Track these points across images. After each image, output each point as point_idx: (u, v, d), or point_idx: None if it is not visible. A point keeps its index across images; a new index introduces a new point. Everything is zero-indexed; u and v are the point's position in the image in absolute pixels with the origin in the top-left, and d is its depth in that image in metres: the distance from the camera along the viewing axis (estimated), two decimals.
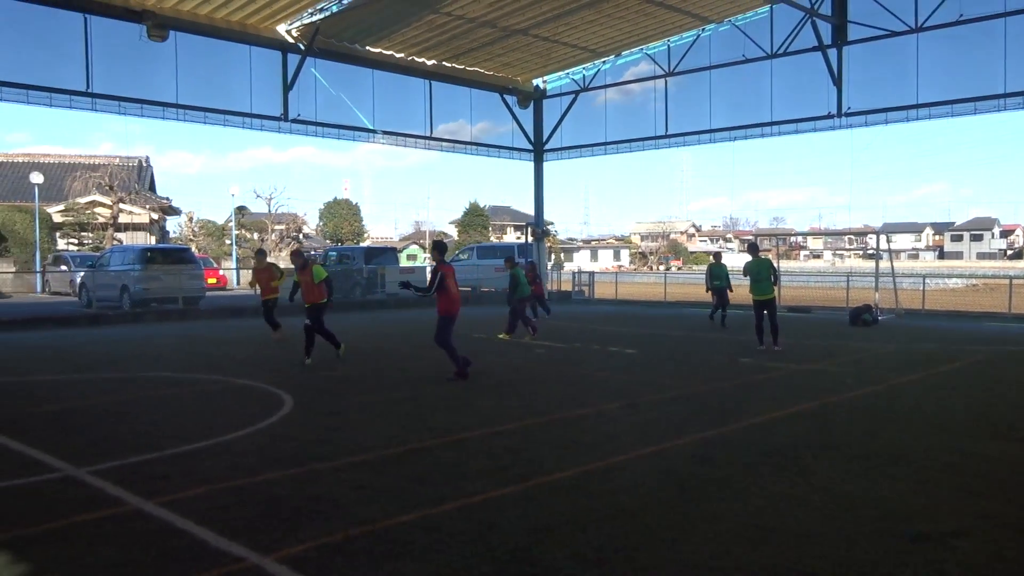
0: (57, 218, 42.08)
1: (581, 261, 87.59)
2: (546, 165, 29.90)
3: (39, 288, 34.06)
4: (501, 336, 16.16)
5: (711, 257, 20.38)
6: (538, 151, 29.54)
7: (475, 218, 68.75)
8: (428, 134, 26.55)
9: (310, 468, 6.26)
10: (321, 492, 5.62)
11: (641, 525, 4.95)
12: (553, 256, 56.57)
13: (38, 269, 35.37)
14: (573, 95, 28.25)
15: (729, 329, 17.35)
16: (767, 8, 22.41)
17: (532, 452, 6.79)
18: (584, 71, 27.52)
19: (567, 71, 27.78)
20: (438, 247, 11.25)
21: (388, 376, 11.22)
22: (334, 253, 31.98)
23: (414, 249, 73.05)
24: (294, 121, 22.56)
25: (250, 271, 18.89)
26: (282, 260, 46.83)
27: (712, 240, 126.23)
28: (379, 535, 4.75)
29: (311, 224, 69.90)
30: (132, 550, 4.55)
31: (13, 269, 36.42)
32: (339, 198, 69.27)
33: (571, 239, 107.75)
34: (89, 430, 7.79)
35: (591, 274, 32.74)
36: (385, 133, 25.36)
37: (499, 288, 31.43)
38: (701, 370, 11.87)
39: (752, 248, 14.76)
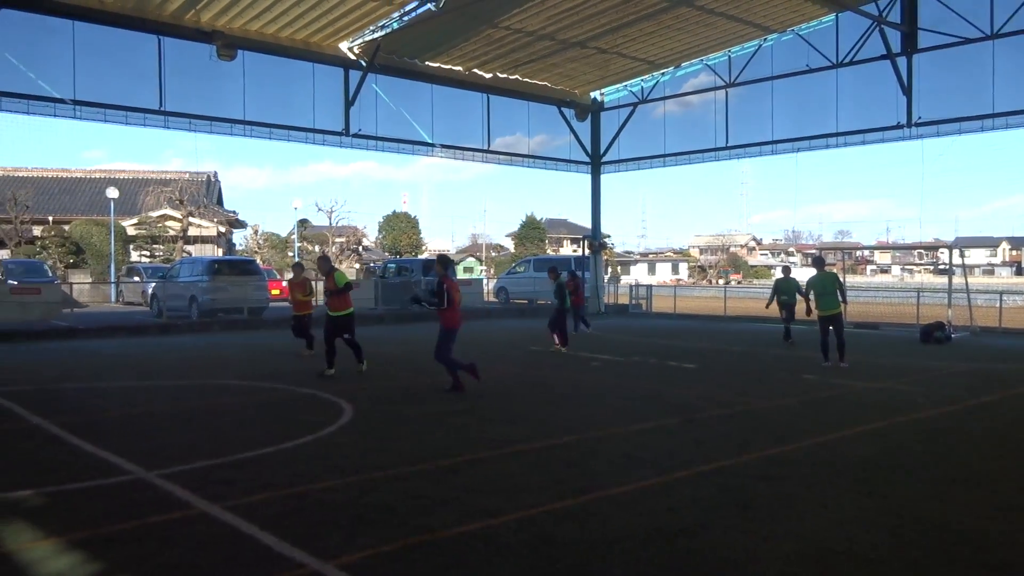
0: (131, 231, 43.65)
1: (638, 274, 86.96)
2: (603, 177, 29.83)
3: (113, 298, 35.29)
4: (554, 349, 16.15)
5: (779, 272, 19.91)
6: (595, 163, 29.49)
7: (532, 231, 68.87)
8: (486, 147, 26.75)
9: (369, 476, 6.34)
10: (379, 500, 5.69)
11: (702, 544, 4.87)
12: (610, 269, 56.31)
13: (113, 280, 36.69)
14: (631, 107, 28.15)
15: (793, 345, 16.99)
16: (832, 17, 22.01)
17: (589, 466, 6.75)
18: (642, 83, 27.41)
19: (625, 83, 27.70)
20: (443, 261, 11.20)
21: (444, 387, 11.28)
22: (393, 265, 32.41)
23: (471, 262, 73.56)
24: (355, 136, 23.00)
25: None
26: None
27: (773, 254, 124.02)
28: (437, 545, 4.78)
29: (371, 237, 71.03)
30: (199, 553, 4.67)
31: (90, 280, 37.89)
32: (398, 211, 70.21)
33: (628, 252, 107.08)
34: (159, 435, 8.03)
35: (649, 287, 32.46)
36: (443, 147, 25.64)
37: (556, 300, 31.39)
38: (763, 386, 11.65)
39: (817, 262, 14.44)
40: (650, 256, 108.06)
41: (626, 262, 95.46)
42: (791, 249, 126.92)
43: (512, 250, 70.87)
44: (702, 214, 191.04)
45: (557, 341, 16.45)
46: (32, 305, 20.83)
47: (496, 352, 15.73)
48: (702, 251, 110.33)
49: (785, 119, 24.36)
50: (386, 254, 62.62)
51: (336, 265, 21.33)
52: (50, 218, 43.48)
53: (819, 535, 4.99)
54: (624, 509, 5.54)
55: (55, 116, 19.04)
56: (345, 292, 12.54)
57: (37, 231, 42.53)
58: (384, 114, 23.67)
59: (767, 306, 18.10)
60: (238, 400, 10.29)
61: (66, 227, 42.69)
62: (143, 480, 6.27)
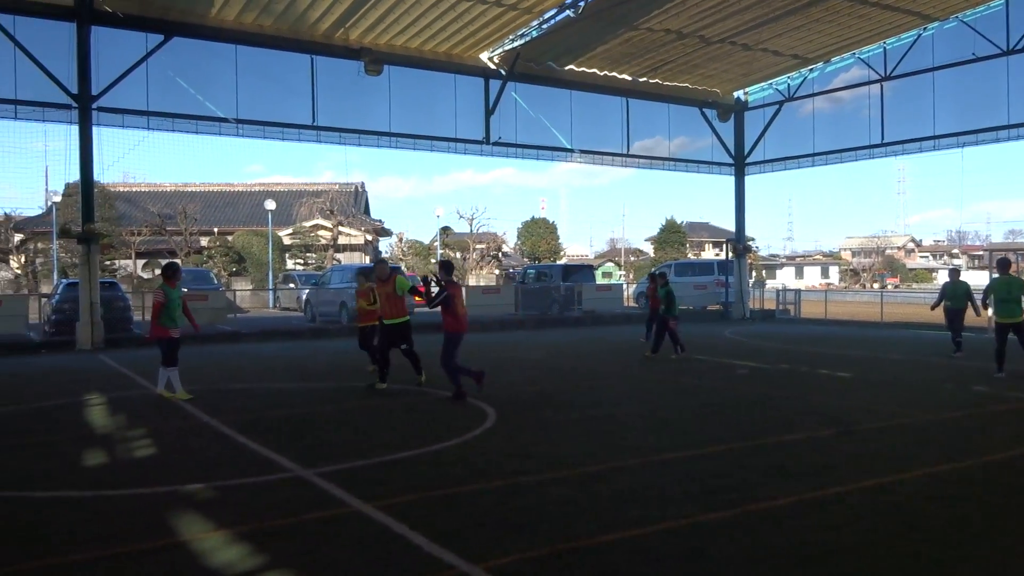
0: (286, 240, 46.30)
1: (785, 278, 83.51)
2: (747, 179, 28.90)
3: (271, 304, 37.53)
4: (674, 356, 15.61)
5: (944, 275, 18.33)
6: (739, 165, 28.62)
7: (672, 235, 67.60)
8: (625, 151, 26.53)
9: (514, 481, 6.39)
10: (525, 505, 5.71)
11: (865, 564, 4.58)
12: (754, 273, 54.43)
13: (271, 287, 39.04)
14: (777, 106, 27.13)
15: (960, 356, 15.74)
16: (1001, 1, 20.37)
17: (739, 477, 6.52)
18: (789, 80, 26.36)
19: (771, 81, 26.74)
20: (444, 267, 10.97)
21: (586, 394, 11.25)
22: (532, 271, 32.66)
23: (609, 267, 73.05)
24: (495, 144, 23.41)
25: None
26: (483, 279, 48.53)
27: (934, 256, 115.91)
28: (585, 552, 4.74)
29: (510, 243, 72.00)
30: (354, 550, 4.85)
31: (250, 287, 40.51)
32: (536, 217, 70.81)
33: (774, 255, 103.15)
34: (315, 435, 8.43)
35: (796, 292, 31.12)
36: (582, 152, 25.65)
37: (697, 306, 30.73)
38: (927, 397, 10.88)
39: (1002, 264, 13.10)
40: (797, 259, 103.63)
41: (772, 266, 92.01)
42: (955, 251, 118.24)
43: (652, 255, 69.86)
44: (854, 215, 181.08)
45: (652, 351, 15.73)
46: (200, 311, 22.42)
47: (637, 357, 15.52)
48: (854, 254, 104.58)
49: (948, 112, 22.77)
50: (525, 260, 63.29)
51: (472, 268, 21.69)
52: (215, 229, 46.79)
53: (1001, 562, 4.58)
54: (778, 524, 5.30)
55: (220, 135, 20.50)
56: (402, 298, 11.43)
57: (204, 241, 45.87)
58: (523, 121, 23.96)
59: (932, 308, 16.78)
60: (386, 403, 10.65)
61: (229, 237, 45.82)
62: (301, 477, 6.59)
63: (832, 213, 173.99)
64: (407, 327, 11.52)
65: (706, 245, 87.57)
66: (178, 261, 12.62)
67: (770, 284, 58.98)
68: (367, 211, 54.06)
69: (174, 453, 7.70)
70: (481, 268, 53.39)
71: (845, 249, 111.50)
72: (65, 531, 5.31)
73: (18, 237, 47.39)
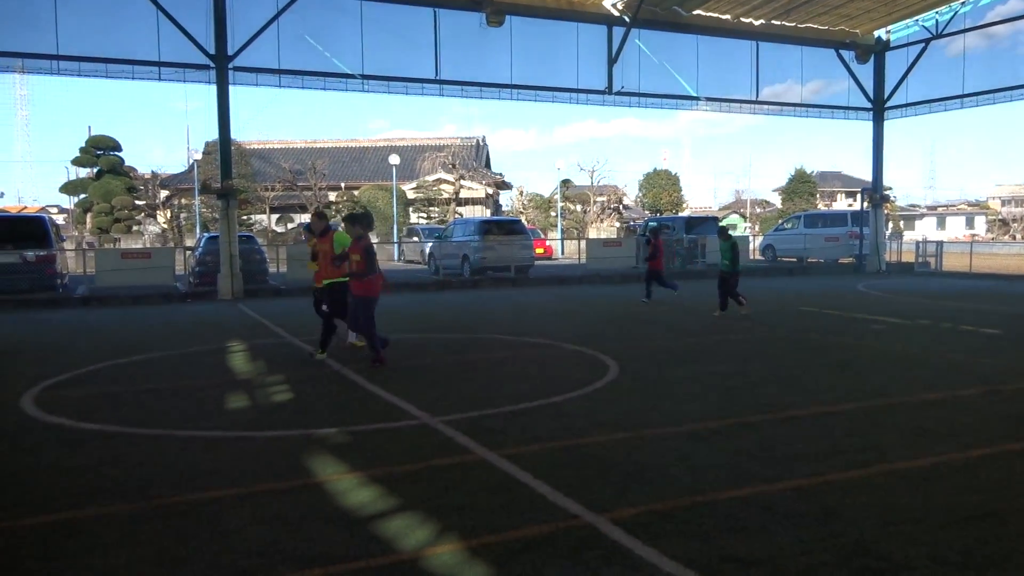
0: (410, 195, 47.35)
1: (925, 230, 78.59)
2: (887, 124, 27.15)
3: (396, 257, 38.62)
4: (716, 313, 14.56)
5: None
6: (878, 109, 26.91)
7: (801, 185, 64.69)
8: (754, 98, 25.43)
9: (637, 435, 6.35)
10: (648, 459, 5.67)
11: (1016, 532, 4.30)
12: (891, 224, 51.45)
13: (395, 240, 40.13)
14: (922, 44, 25.23)
15: None
16: None
17: (873, 436, 6.22)
18: (937, 16, 24.41)
19: (916, 18, 24.84)
20: (357, 219, 9.64)
21: (709, 349, 11.00)
22: (655, 223, 32.08)
23: (734, 218, 70.84)
24: (618, 94, 22.93)
25: (574, 242, 18.76)
26: (603, 231, 48.09)
27: None
28: (709, 508, 4.67)
29: (631, 195, 70.91)
30: (479, 496, 4.96)
31: (376, 240, 41.78)
32: (658, 169, 69.32)
33: (913, 205, 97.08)
34: (440, 384, 8.65)
35: (938, 244, 29.23)
36: (708, 100, 24.76)
37: (828, 259, 29.40)
38: None
39: None
40: (939, 209, 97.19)
41: (910, 216, 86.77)
42: None
43: (779, 206, 67.21)
44: (1005, 161, 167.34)
45: (724, 305, 14.58)
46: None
47: (763, 311, 15.04)
48: (1004, 202, 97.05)
49: None
50: (646, 212, 62.24)
51: (593, 220, 21.42)
52: (343, 184, 48.36)
53: None
54: (916, 486, 5.04)
55: (347, 91, 21.01)
56: (342, 260, 9.91)
57: (332, 196, 47.52)
58: (647, 70, 23.34)
59: None
60: (508, 354, 10.78)
61: (356, 192, 47.27)
62: (428, 425, 6.78)
63: (979, 159, 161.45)
64: (346, 289, 10.01)
65: (838, 195, 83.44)
66: (365, 212, 12.76)
67: (908, 236, 55.69)
68: (488, 164, 54.42)
69: (308, 399, 8.08)
70: (601, 221, 52.91)
71: (994, 198, 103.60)
72: (210, 469, 5.68)
73: (164, 193, 50.62)
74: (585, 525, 4.43)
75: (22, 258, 18.88)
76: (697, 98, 24.46)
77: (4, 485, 5.38)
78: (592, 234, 46.61)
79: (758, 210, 74.23)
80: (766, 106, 26.16)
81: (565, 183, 54.24)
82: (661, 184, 65.62)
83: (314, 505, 4.87)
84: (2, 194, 70.25)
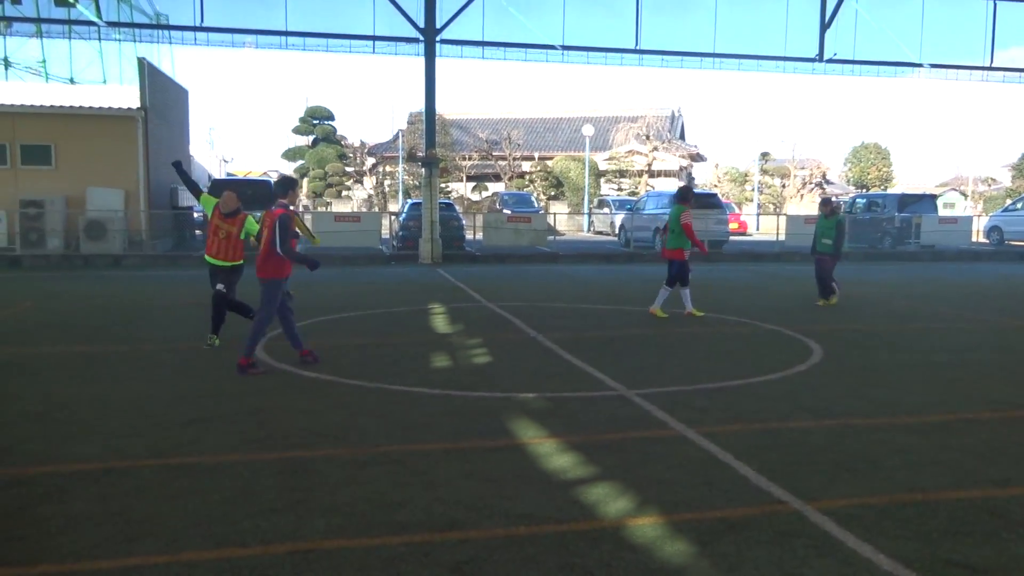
0: (602, 166, 47.20)
1: None
2: None
3: (586, 228, 38.75)
4: (820, 302, 13.01)
5: None
6: None
7: None
8: (988, 63, 22.99)
9: (846, 422, 6.03)
10: (859, 449, 5.37)
11: None
12: None
13: (586, 211, 40.26)
14: None
15: None
16: None
17: None
18: None
19: None
20: (285, 184, 7.96)
21: (925, 336, 10.19)
22: (862, 200, 30.02)
23: (952, 196, 64.81)
24: (830, 61, 21.54)
25: (774, 217, 17.91)
26: (804, 208, 45.64)
27: None
28: (933, 506, 4.36)
29: (835, 170, 66.69)
30: (678, 471, 4.92)
31: (567, 211, 42.13)
32: (866, 142, 64.59)
33: None
34: (635, 357, 8.63)
35: None
36: (933, 66, 22.68)
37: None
38: None
39: None
40: None
41: None
42: None
43: (1008, 184, 60.67)
44: None
45: (828, 295, 12.89)
46: (523, 232, 23.85)
47: (990, 303, 13.69)
48: None
49: None
50: (851, 188, 58.35)
51: (793, 195, 20.23)
52: (536, 155, 49.03)
53: None
54: None
55: (547, 61, 21.21)
56: (242, 242, 8.99)
57: (526, 167, 48.34)
58: (864, 33, 21.73)
59: None
60: (705, 331, 10.56)
61: (549, 162, 47.78)
62: (624, 397, 6.79)
63: None
64: (239, 273, 9.14)
65: None
66: (692, 185, 13.28)
67: None
68: (682, 136, 53.11)
69: (507, 363, 8.34)
70: (801, 196, 50.21)
71: None
72: (419, 423, 6.02)
73: (370, 161, 53.72)
74: (792, 512, 4.28)
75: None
76: (919, 64, 22.47)
77: (249, 422, 5.99)
78: (791, 210, 44.35)
79: (982, 188, 67.42)
80: (1002, 72, 23.56)
81: (764, 155, 51.90)
82: (870, 158, 61.20)
83: (518, 465, 5.05)
84: (231, 159, 77.29)
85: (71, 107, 21.15)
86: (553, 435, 5.66)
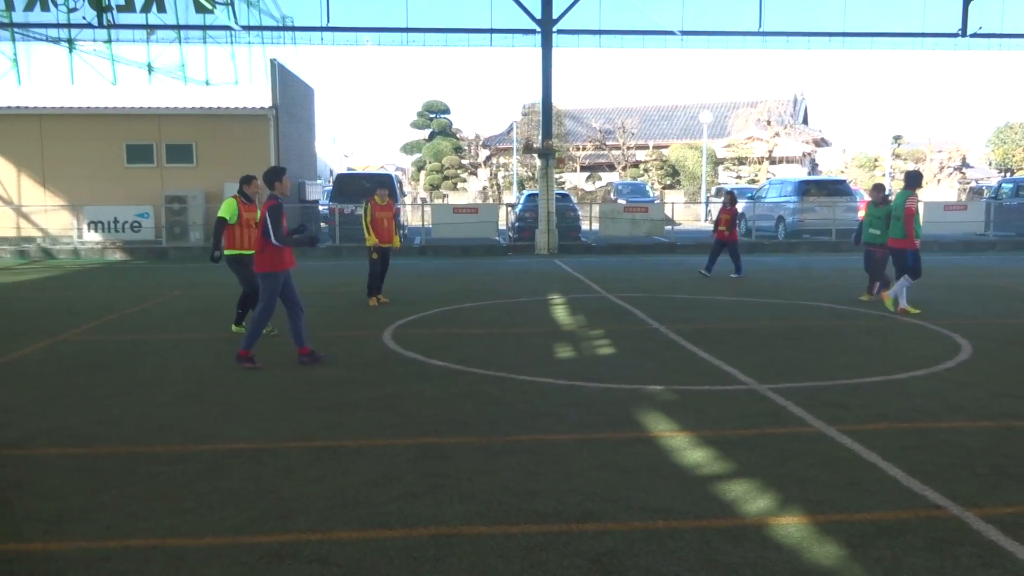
0: (720, 153, 45.99)
1: None
2: None
3: (703, 217, 37.86)
4: (863, 297, 11.92)
5: None
6: None
7: None
8: None
9: (1006, 424, 5.63)
10: (1022, 453, 5.00)
11: None
12: None
13: (703, 200, 39.33)
14: None
15: None
16: None
17: None
18: None
19: None
20: (271, 175, 7.69)
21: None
22: (1010, 184, 28.00)
23: None
24: (974, 36, 20.15)
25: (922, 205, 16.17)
26: (942, 193, 43.05)
27: None
28: None
29: (976, 152, 62.49)
30: (821, 470, 4.71)
31: (683, 200, 41.28)
32: (1011, 123, 60.14)
33: None
34: (764, 350, 8.35)
35: None
36: None
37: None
38: None
39: None
40: None
41: None
42: None
43: None
44: None
45: (877, 290, 11.70)
46: (640, 222, 23.54)
47: None
48: None
49: None
50: (993, 172, 54.53)
51: (929, 180, 19.00)
52: (651, 143, 48.27)
53: None
54: None
55: (665, 47, 20.83)
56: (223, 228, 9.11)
57: (641, 156, 47.67)
58: (1014, 4, 20.23)
59: None
60: (838, 323, 10.12)
61: (665, 151, 46.96)
62: (757, 391, 6.59)
63: None
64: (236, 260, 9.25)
65: None
66: (920, 170, 11.93)
67: None
68: (805, 121, 51.04)
69: (631, 354, 8.25)
70: (939, 181, 47.33)
71: None
72: (549, 412, 6.03)
73: (484, 153, 54.30)
74: (951, 517, 4.03)
75: None
76: None
77: (385, 408, 6.17)
78: (927, 195, 41.85)
79: None
80: None
81: (897, 139, 49.23)
82: (1015, 139, 56.96)
83: (651, 458, 4.98)
84: (350, 154, 79.83)
85: (210, 108, 22.35)
86: (684, 429, 5.55)
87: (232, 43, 22.33)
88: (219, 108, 22.26)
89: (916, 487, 4.43)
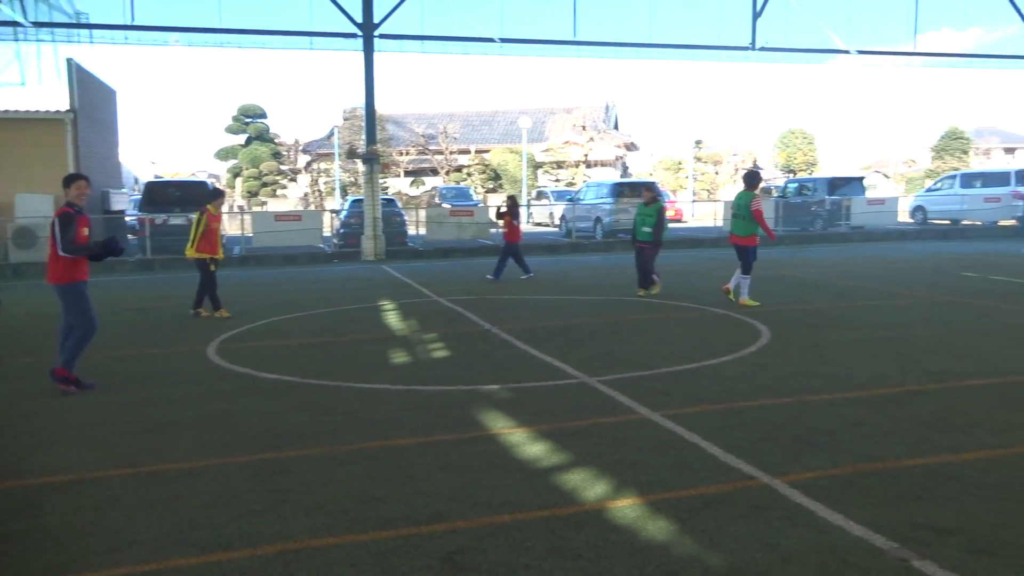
0: (539, 157, 47.41)
1: None
2: None
3: (525, 219, 38.87)
4: (641, 293, 12.68)
5: None
6: None
7: (953, 141, 60.39)
8: (911, 49, 23.91)
9: (802, 399, 6.26)
10: (818, 424, 5.59)
11: None
12: None
13: (525, 203, 40.36)
14: None
15: None
16: None
17: None
18: None
19: None
20: (66, 181, 7.16)
21: (865, 313, 10.59)
22: (794, 184, 30.87)
23: (874, 179, 67.04)
24: (762, 49, 22.09)
25: (709, 204, 18.32)
26: (734, 193, 46.63)
27: None
28: (890, 475, 4.58)
29: (764, 155, 68.28)
30: (650, 454, 5.05)
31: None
32: (793, 128, 66.29)
33: None
34: (590, 345, 8.76)
35: None
36: (860, 52, 23.46)
37: (987, 222, 27.51)
38: None
39: None
40: None
41: None
42: None
43: (928, 164, 63.04)
44: None
45: (647, 285, 12.57)
46: (466, 226, 23.85)
47: (921, 280, 14.31)
48: None
49: None
50: (779, 173, 59.81)
51: (727, 181, 20.61)
52: (473, 148, 48.97)
53: None
54: None
55: (485, 54, 21.25)
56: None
57: (463, 160, 48.24)
58: (795, 23, 22.40)
59: None
60: (655, 316, 10.78)
61: (486, 156, 47.79)
62: (586, 384, 6.92)
63: None
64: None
65: (992, 152, 77.27)
66: (758, 171, 12.43)
67: None
68: (616, 126, 53.68)
69: (466, 356, 8.39)
70: (735, 182, 51.31)
71: None
72: (388, 419, 6.03)
73: (304, 159, 52.87)
74: (762, 486, 4.45)
75: (188, 220, 20.26)
76: (847, 51, 23.22)
77: (215, 426, 5.91)
78: (725, 196, 45.29)
79: (904, 169, 69.94)
80: (922, 57, 24.53)
81: (698, 143, 52.88)
82: (796, 143, 62.81)
83: (492, 456, 5.11)
84: (155, 161, 75.01)
85: None
86: (522, 425, 5.74)
87: (17, 40, 20.39)
88: (7, 111, 20.24)
89: (732, 461, 4.84)
